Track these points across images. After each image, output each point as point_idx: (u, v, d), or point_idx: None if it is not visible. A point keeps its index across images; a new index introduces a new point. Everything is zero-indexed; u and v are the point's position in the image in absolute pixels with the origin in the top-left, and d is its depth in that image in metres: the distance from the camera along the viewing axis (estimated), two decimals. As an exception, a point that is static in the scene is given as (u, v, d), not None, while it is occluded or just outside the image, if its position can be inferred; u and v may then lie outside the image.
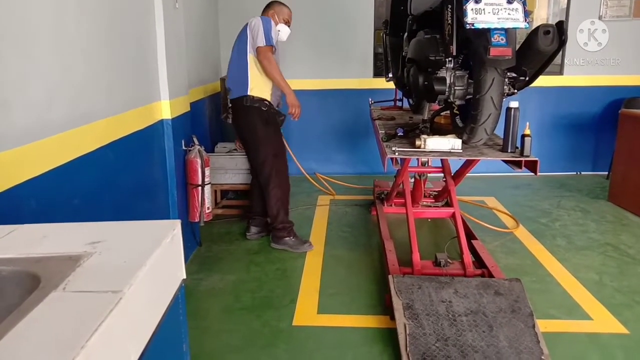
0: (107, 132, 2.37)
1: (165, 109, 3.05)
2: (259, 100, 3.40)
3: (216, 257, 3.49)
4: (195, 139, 3.36)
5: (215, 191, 4.23)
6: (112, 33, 2.44)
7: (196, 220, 3.39)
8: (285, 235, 3.52)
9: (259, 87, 3.40)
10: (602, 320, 2.66)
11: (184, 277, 1.21)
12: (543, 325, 2.38)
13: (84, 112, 2.17)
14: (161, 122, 3.04)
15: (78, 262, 0.99)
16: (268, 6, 3.62)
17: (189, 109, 3.43)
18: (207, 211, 3.41)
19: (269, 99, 3.44)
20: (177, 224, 1.17)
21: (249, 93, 3.38)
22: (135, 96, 2.72)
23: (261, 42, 3.30)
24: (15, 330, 0.77)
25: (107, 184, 2.37)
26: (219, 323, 2.68)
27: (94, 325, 0.76)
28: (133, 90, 2.69)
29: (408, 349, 2.18)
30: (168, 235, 1.11)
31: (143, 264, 0.97)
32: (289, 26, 3.61)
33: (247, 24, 3.45)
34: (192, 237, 3.52)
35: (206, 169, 3.33)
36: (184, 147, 3.29)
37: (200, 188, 3.33)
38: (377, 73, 5.34)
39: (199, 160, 3.29)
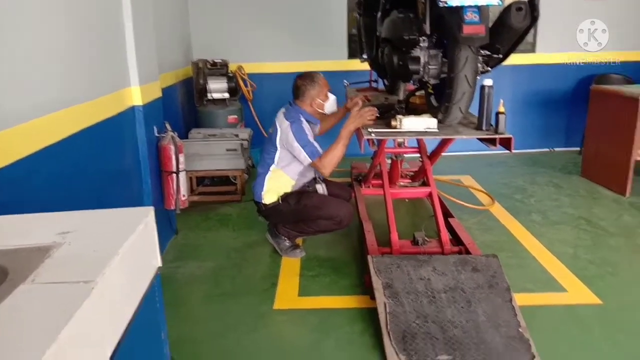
0: (76, 120, 2.30)
1: (136, 95, 2.97)
2: (273, 203, 3.10)
3: (194, 245, 3.46)
4: (168, 125, 3.29)
5: (191, 178, 4.18)
6: (75, 16, 2.35)
7: (172, 207, 3.34)
8: (285, 237, 3.21)
9: (275, 191, 3.10)
10: (576, 292, 2.73)
11: (160, 264, 1.18)
12: (520, 299, 2.42)
13: (49, 100, 2.09)
14: (132, 108, 2.97)
15: (47, 253, 0.96)
16: (299, 91, 3.08)
17: (160, 95, 3.35)
18: (182, 198, 3.36)
19: (288, 191, 3.12)
20: (150, 211, 1.14)
21: (262, 201, 3.12)
22: (104, 82, 2.64)
23: (306, 160, 2.94)
24: (-18, 326, 0.74)
25: (77, 173, 2.31)
26: (199, 310, 2.66)
27: (66, 316, 0.74)
28: (101, 76, 2.60)
29: (389, 327, 2.20)
30: (141, 223, 1.08)
31: (115, 253, 0.94)
32: (330, 93, 3.12)
33: (275, 121, 3.09)
34: (169, 225, 3.47)
35: (180, 155, 3.27)
36: (156, 134, 3.22)
37: (174, 175, 3.27)
38: (352, 54, 5.31)
39: (172, 147, 3.23)
